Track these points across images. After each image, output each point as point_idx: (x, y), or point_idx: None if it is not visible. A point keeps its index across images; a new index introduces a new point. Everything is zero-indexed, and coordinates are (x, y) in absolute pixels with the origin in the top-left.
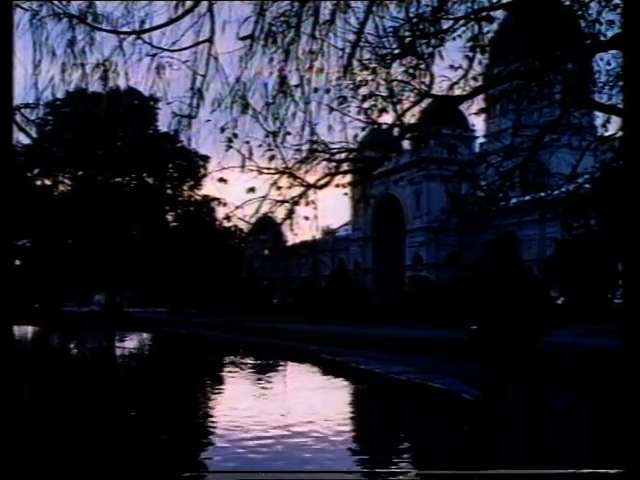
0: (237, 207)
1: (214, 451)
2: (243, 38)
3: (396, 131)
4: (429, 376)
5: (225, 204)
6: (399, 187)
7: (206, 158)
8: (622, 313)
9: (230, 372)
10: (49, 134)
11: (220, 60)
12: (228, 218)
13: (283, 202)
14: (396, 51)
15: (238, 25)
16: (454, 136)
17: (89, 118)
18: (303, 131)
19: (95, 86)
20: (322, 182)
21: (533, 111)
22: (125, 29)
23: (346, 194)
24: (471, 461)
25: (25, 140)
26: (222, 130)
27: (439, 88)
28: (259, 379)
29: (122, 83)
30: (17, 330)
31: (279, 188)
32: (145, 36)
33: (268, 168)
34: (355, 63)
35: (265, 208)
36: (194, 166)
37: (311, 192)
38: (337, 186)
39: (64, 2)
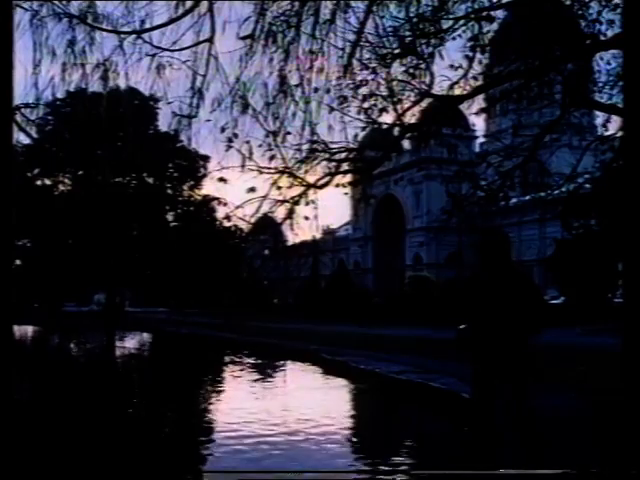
0: (237, 207)
1: (214, 451)
2: (243, 38)
3: (396, 131)
4: (429, 376)
5: (225, 204)
6: (399, 187)
7: (206, 158)
8: (622, 313)
9: (230, 372)
10: (49, 134)
11: (220, 60)
12: (228, 218)
13: (283, 202)
14: (396, 51)
15: (238, 25)
16: (454, 136)
17: (89, 118)
18: (303, 131)
19: (95, 86)
20: (322, 182)
21: (533, 111)
22: (125, 29)
23: (346, 194)
24: (471, 461)
25: (25, 140)
26: (222, 130)
27: (439, 88)
28: (259, 379)
29: (122, 83)
30: (17, 330)
31: (279, 188)
32: (145, 36)
33: (268, 168)
34: (355, 63)
35: (265, 208)
36: (194, 166)
37: (311, 192)
38: (337, 186)
39: (64, 2)
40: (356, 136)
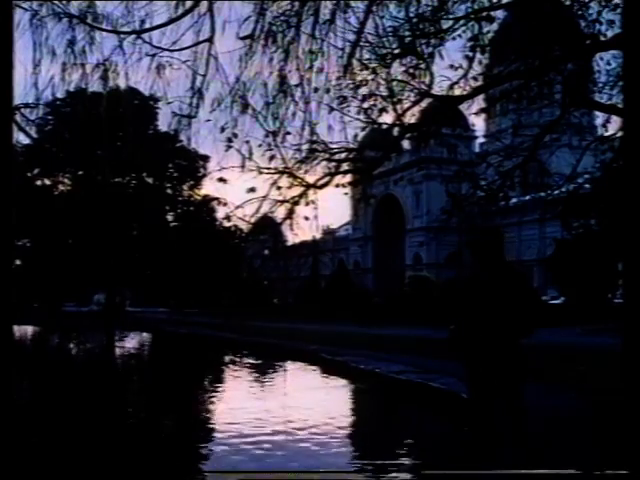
0: (237, 207)
1: (214, 450)
2: (243, 38)
3: (396, 131)
4: (429, 376)
5: (225, 204)
6: (399, 187)
7: (206, 158)
8: (622, 313)
9: (230, 371)
10: (49, 134)
11: (220, 60)
12: (228, 218)
13: (283, 202)
14: (396, 51)
15: (238, 25)
16: (454, 136)
17: (89, 118)
18: (303, 131)
19: (95, 86)
20: (322, 182)
21: (533, 111)
22: (125, 29)
23: (346, 194)
24: (470, 461)
25: (25, 140)
26: (222, 130)
27: (439, 88)
28: (259, 378)
29: (122, 83)
30: (17, 330)
31: (279, 188)
32: (145, 36)
33: (268, 168)
34: (355, 63)
35: (265, 208)
36: (194, 166)
37: (311, 192)
38: (337, 186)
39: (64, 2)
40: (356, 136)
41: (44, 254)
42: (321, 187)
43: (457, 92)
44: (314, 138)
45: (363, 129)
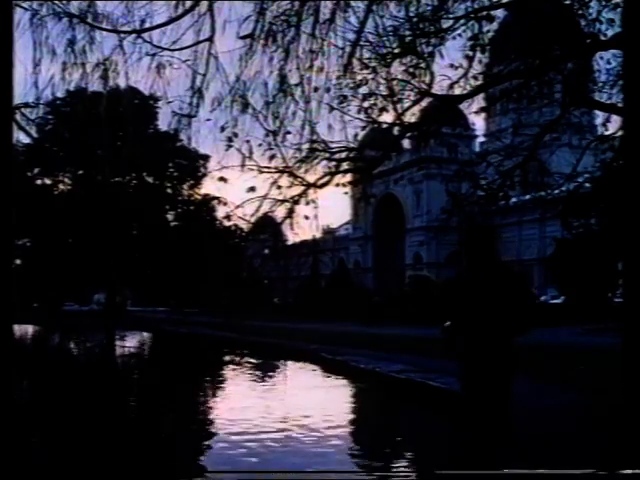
0: (237, 206)
1: (214, 450)
2: (243, 37)
3: (396, 130)
4: (429, 375)
5: (225, 203)
6: (399, 186)
7: (206, 157)
8: (622, 312)
9: (230, 371)
10: (49, 133)
11: (220, 59)
12: (228, 217)
13: (283, 201)
14: (396, 50)
15: (238, 24)
16: (454, 135)
17: (89, 117)
18: (303, 130)
19: (95, 85)
20: (322, 181)
21: (533, 110)
22: (125, 28)
23: (346, 193)
24: (470, 460)
25: (25, 139)
26: (222, 129)
27: (439, 87)
28: (259, 378)
29: (122, 82)
30: (17, 329)
31: (279, 187)
32: (145, 35)
33: (268, 167)
34: (355, 62)
35: (265, 207)
36: (194, 165)
37: (311, 191)
38: (337, 185)
39: (64, 1)
40: (356, 135)
41: (44, 254)
42: (321, 186)
43: (457, 91)
44: (314, 137)
45: (363, 128)
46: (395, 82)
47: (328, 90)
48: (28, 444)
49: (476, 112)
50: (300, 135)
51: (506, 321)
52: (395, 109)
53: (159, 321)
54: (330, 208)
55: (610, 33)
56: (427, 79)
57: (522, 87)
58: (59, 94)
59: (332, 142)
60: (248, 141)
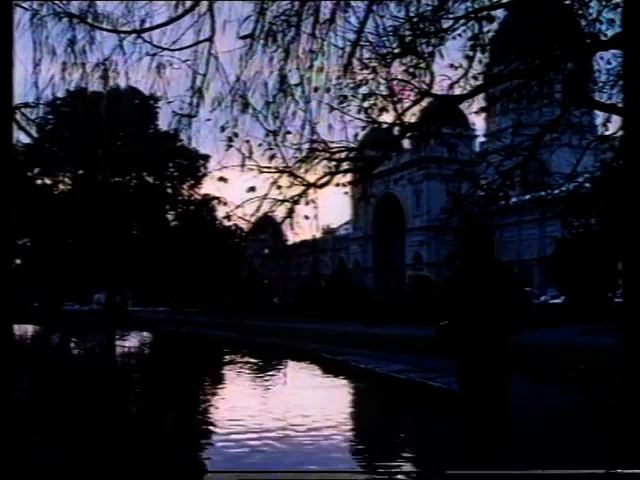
0: (237, 206)
1: (214, 450)
2: (243, 37)
3: (396, 130)
4: (429, 375)
5: (225, 203)
6: (399, 186)
7: (206, 157)
8: (622, 312)
9: (230, 371)
10: (49, 133)
11: (220, 59)
12: (228, 217)
13: (283, 201)
14: (396, 50)
15: (238, 24)
16: (454, 135)
17: (89, 117)
18: (303, 130)
19: (95, 85)
20: (322, 181)
21: (533, 110)
22: (125, 28)
23: (346, 193)
24: (469, 460)
25: (25, 139)
26: (222, 129)
27: (439, 87)
28: (259, 378)
29: (122, 82)
30: (17, 329)
31: (279, 187)
32: (145, 35)
33: (268, 167)
34: (355, 62)
35: (265, 207)
36: (194, 165)
37: (311, 191)
38: (337, 185)
39: (64, 1)
40: (356, 135)
41: (44, 253)
42: (321, 186)
43: (457, 91)
44: (314, 137)
45: (363, 128)
46: (395, 82)
47: (328, 90)
48: (28, 444)
49: (476, 112)
50: (300, 135)
51: (500, 321)
52: (395, 109)
53: (159, 321)
54: (330, 208)
55: (610, 33)
56: (427, 79)
57: (522, 87)
58: (59, 94)
59: (332, 142)
60: (248, 141)
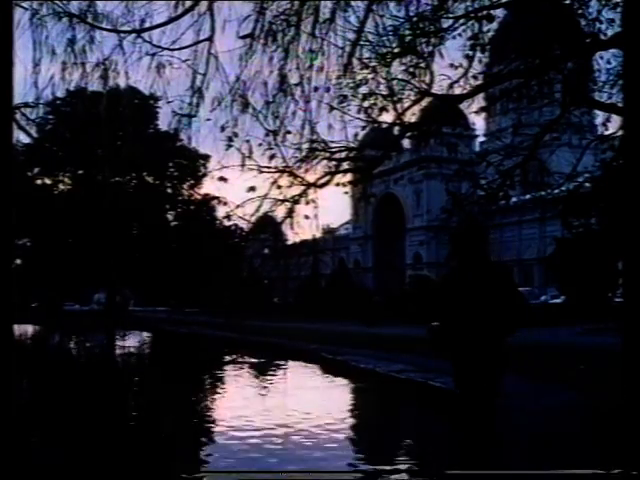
0: (237, 206)
1: (214, 450)
2: (243, 37)
3: (396, 130)
4: (429, 375)
5: (225, 203)
6: (399, 186)
7: (206, 157)
8: (622, 312)
9: (230, 371)
10: (49, 133)
11: (220, 59)
12: (228, 217)
13: (283, 201)
14: (396, 50)
15: (238, 24)
16: (454, 135)
17: (89, 117)
18: (303, 130)
19: (95, 85)
20: (322, 181)
21: (533, 110)
22: (125, 28)
23: (346, 193)
24: (469, 460)
25: (25, 139)
26: (222, 129)
27: (439, 87)
28: (259, 378)
29: (122, 82)
30: (17, 329)
31: (279, 187)
32: (145, 35)
33: (268, 167)
34: (355, 62)
35: (265, 207)
36: (194, 165)
37: (311, 191)
38: (337, 185)
39: (64, 1)
40: (356, 135)
41: (44, 253)
42: (321, 186)
43: (457, 91)
44: (314, 137)
45: (363, 128)
46: (395, 82)
47: (328, 90)
48: (28, 444)
49: (476, 112)
50: (300, 135)
51: (494, 320)
52: (395, 109)
53: (159, 321)
54: (330, 208)
55: (610, 33)
56: (427, 79)
57: (522, 87)
58: (59, 94)
59: (332, 142)
60: (248, 141)
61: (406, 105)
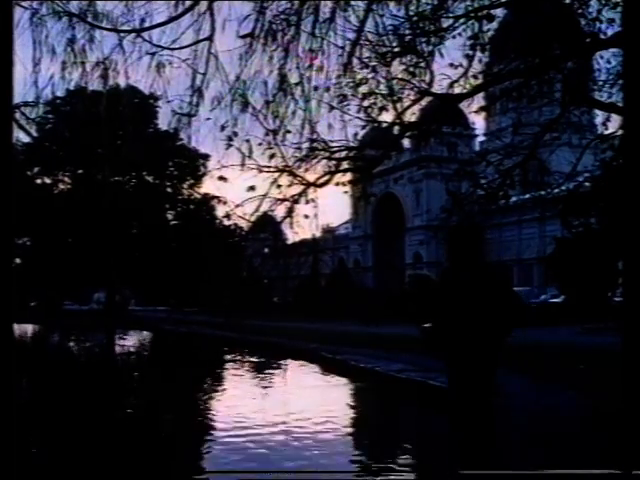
0: (237, 205)
1: (213, 450)
2: (243, 36)
3: (396, 129)
4: (429, 374)
5: (225, 202)
6: (399, 185)
7: (206, 156)
8: (622, 312)
9: (230, 370)
10: (49, 132)
11: (220, 58)
12: (228, 216)
13: (283, 200)
14: (396, 49)
15: (238, 23)
16: (454, 134)
17: (89, 117)
18: (303, 129)
19: (95, 84)
20: (322, 180)
21: (533, 109)
22: (125, 27)
23: (346, 192)
24: (468, 459)
25: (25, 138)
26: (222, 128)
27: (439, 86)
28: (259, 377)
29: (122, 81)
30: (17, 328)
31: (279, 186)
32: (145, 34)
33: (268, 166)
34: (355, 61)
35: (265, 206)
36: (194, 164)
37: (311, 190)
38: (337, 184)
39: (64, 1)
40: (356, 135)
41: (44, 253)
42: (321, 185)
43: (457, 90)
44: (314, 137)
45: (363, 128)
46: (395, 81)
47: (328, 89)
48: (28, 444)
49: (476, 111)
50: (300, 134)
51: (490, 320)
52: (395, 108)
53: (159, 320)
54: (330, 207)
55: (610, 32)
56: (427, 78)
57: (522, 86)
58: (59, 93)
59: (332, 141)
60: (248, 140)
61: (406, 104)
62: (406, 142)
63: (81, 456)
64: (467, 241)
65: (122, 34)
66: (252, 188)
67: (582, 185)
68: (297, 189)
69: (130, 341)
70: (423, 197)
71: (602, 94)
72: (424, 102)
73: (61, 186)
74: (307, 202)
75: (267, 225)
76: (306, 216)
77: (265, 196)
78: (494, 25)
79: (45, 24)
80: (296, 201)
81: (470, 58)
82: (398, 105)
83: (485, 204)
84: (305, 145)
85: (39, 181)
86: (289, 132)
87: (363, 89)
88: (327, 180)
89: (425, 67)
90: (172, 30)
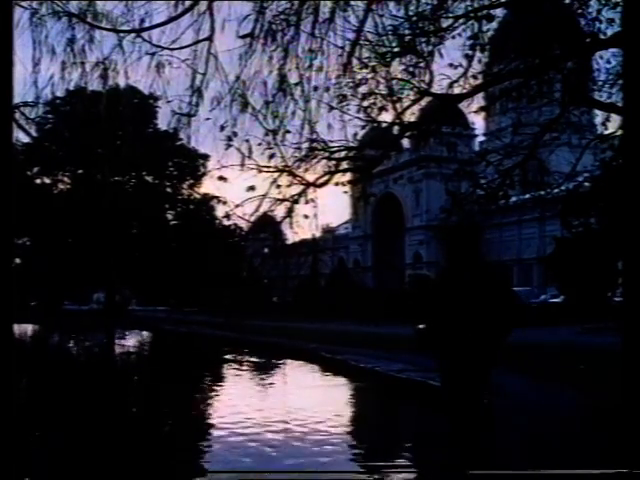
0: (237, 205)
1: (213, 450)
2: (243, 36)
3: (396, 129)
4: (429, 374)
5: (225, 202)
6: (399, 185)
7: (206, 156)
8: (622, 311)
9: (230, 370)
10: (49, 132)
11: (220, 58)
12: (228, 216)
13: (283, 200)
14: (396, 49)
15: (238, 23)
16: (454, 134)
17: (89, 117)
18: (303, 129)
19: (95, 84)
20: (322, 180)
21: (533, 109)
22: (125, 27)
23: (346, 192)
24: (467, 459)
25: (25, 138)
26: (222, 128)
27: (439, 86)
28: (259, 377)
29: (122, 81)
30: (17, 328)
31: (279, 186)
32: (145, 34)
33: (268, 166)
34: (355, 61)
35: (265, 206)
36: (194, 164)
37: (311, 190)
38: (337, 184)
39: (64, 1)
40: (356, 135)
41: (44, 253)
42: (321, 185)
43: (457, 90)
44: (314, 137)
45: (363, 128)
46: (395, 81)
47: (328, 89)
48: (28, 444)
49: (476, 111)
50: (299, 134)
51: (488, 321)
52: (395, 108)
53: (159, 320)
54: (330, 207)
55: (610, 32)
56: (427, 78)
57: (522, 86)
58: (59, 93)
59: (332, 141)
60: (247, 140)
61: (405, 104)
62: (406, 142)
63: (81, 456)
64: (465, 241)
65: (122, 34)
66: (252, 188)
67: (582, 185)
68: (297, 189)
69: (130, 341)
70: (423, 197)
71: (602, 94)
72: (424, 102)
73: (61, 186)
74: (307, 202)
75: (267, 225)
76: (306, 216)
77: (265, 196)
78: (494, 25)
79: (45, 24)
80: (296, 201)
81: (470, 58)
82: (398, 105)
83: (485, 204)
84: (305, 145)
85: (39, 181)
86: (289, 132)
87: (363, 89)
88: (327, 180)
89: (425, 67)
90: (172, 30)
